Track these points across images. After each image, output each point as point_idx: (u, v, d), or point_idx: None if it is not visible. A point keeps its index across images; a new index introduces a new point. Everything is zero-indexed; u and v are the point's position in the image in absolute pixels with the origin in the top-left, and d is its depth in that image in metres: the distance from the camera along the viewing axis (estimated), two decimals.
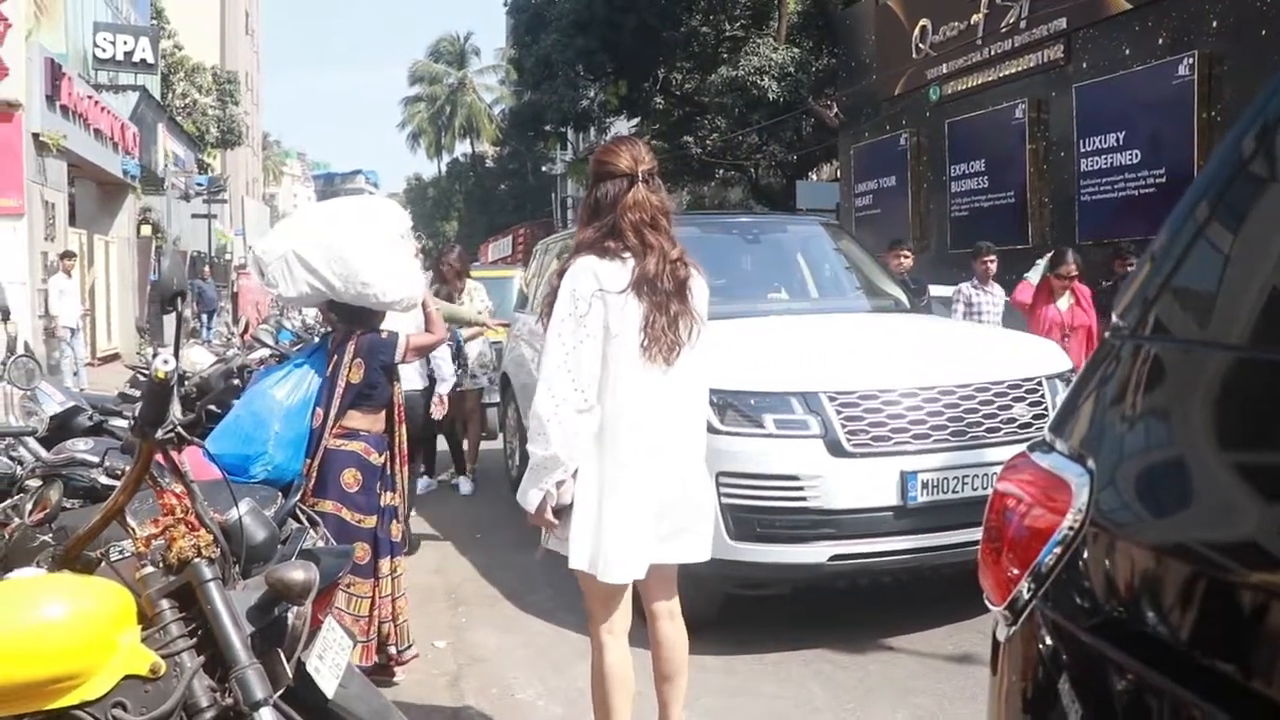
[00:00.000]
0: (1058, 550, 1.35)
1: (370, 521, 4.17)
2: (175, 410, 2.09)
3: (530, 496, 3.07)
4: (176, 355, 2.06)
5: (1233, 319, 1.27)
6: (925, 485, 4.43)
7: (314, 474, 4.08)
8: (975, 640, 4.69)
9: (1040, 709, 1.36)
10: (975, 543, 4.25)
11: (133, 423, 2.12)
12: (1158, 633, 1.20)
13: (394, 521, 4.32)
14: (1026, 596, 1.40)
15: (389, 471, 4.31)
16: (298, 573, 2.09)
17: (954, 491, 4.43)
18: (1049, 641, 1.36)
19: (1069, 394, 1.53)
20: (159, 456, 2.15)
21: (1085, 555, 1.32)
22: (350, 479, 4.12)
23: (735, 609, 4.92)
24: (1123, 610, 1.26)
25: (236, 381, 3.20)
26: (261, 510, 2.43)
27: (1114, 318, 1.42)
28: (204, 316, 23.27)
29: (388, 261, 4.11)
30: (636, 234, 3.05)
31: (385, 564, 4.23)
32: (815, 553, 4.44)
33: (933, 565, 4.59)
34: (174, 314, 2.10)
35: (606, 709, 3.20)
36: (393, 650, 4.29)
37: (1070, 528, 1.33)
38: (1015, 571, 1.42)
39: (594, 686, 3.25)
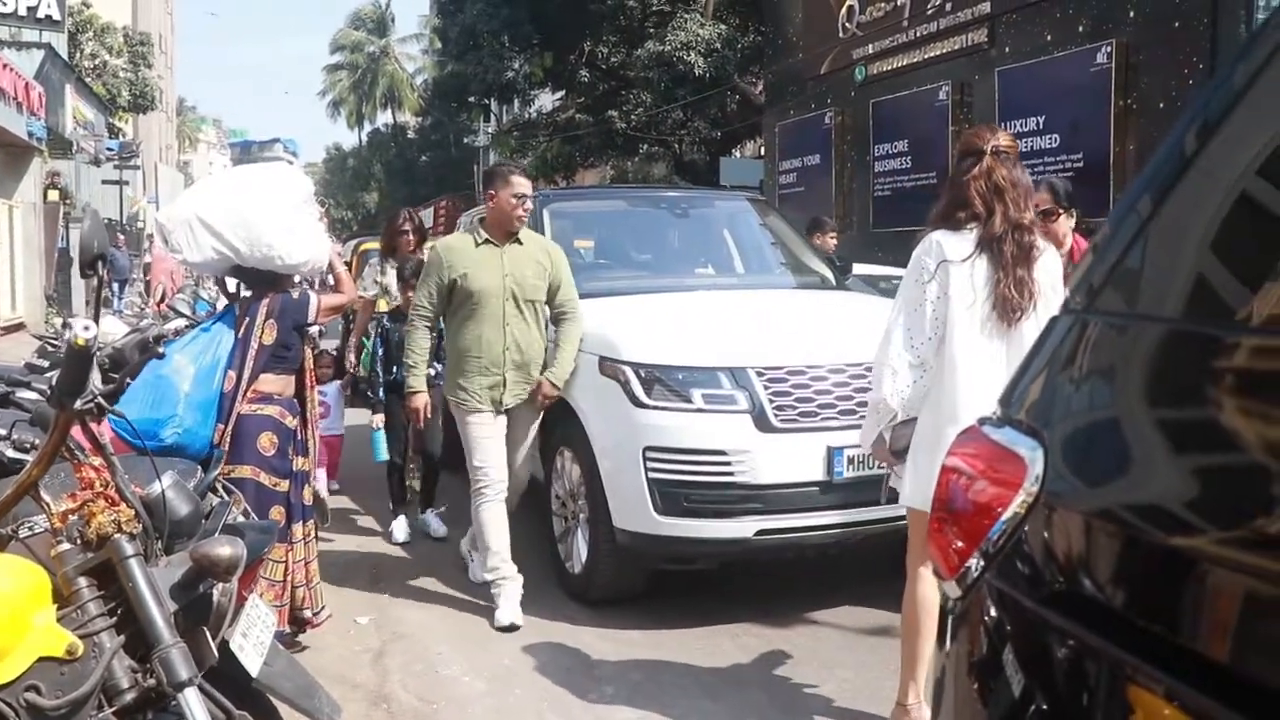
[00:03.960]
0: (1011, 523, 1.35)
1: (284, 485, 4.17)
2: (95, 379, 2.00)
3: (867, 435, 3.52)
4: (96, 321, 1.98)
5: (1170, 296, 1.31)
6: (851, 461, 4.46)
7: (228, 439, 4.01)
8: (898, 614, 4.74)
9: (992, 682, 1.36)
10: (901, 518, 4.33)
11: (49, 392, 2.02)
12: (1115, 604, 1.21)
13: (306, 485, 4.33)
14: (977, 570, 1.41)
15: (300, 436, 4.30)
16: (224, 548, 2.02)
17: (880, 467, 4.45)
18: (1001, 615, 1.37)
19: (1020, 369, 1.53)
20: (76, 428, 2.07)
21: (1039, 528, 1.32)
22: (267, 442, 4.10)
23: (662, 584, 4.93)
24: (1080, 583, 1.27)
25: (163, 351, 3.12)
26: (185, 484, 2.35)
27: (1065, 296, 1.43)
28: (115, 286, 22.62)
29: (292, 225, 4.16)
30: (982, 201, 3.33)
31: (298, 528, 4.25)
32: (742, 527, 4.45)
33: (858, 540, 4.62)
34: (94, 279, 2.01)
35: (915, 631, 3.49)
36: (307, 614, 4.30)
37: (1024, 501, 1.34)
38: (965, 545, 1.43)
39: (906, 612, 3.53)
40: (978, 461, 1.47)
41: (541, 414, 5.06)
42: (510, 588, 4.82)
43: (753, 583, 5.19)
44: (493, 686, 4.14)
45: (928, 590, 3.49)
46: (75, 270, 23.49)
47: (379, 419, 6.40)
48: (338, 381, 7.23)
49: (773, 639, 4.55)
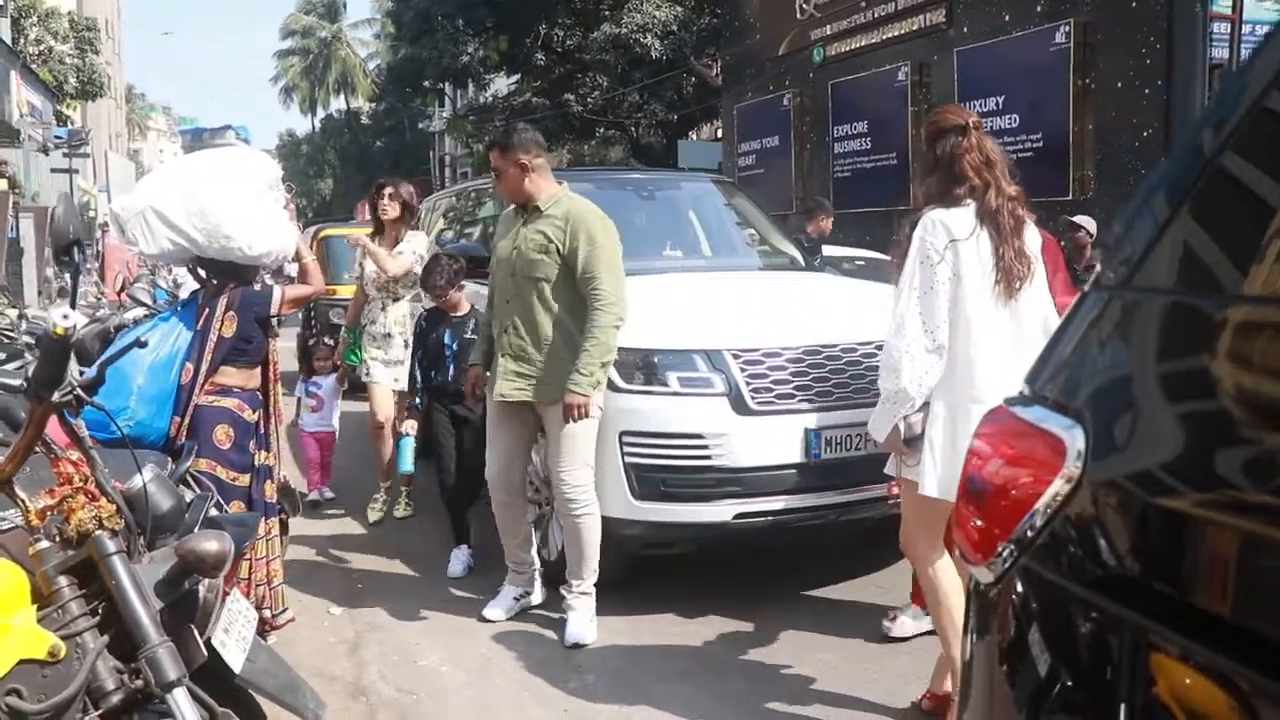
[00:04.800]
0: (1050, 505, 1.32)
1: (244, 480, 4.05)
2: (73, 370, 1.92)
3: (880, 426, 3.40)
4: (74, 308, 1.90)
5: (1221, 271, 1.30)
6: (829, 442, 4.45)
7: (183, 432, 3.91)
8: (876, 595, 4.76)
9: (1029, 668, 1.33)
10: (880, 499, 4.32)
11: (25, 384, 1.94)
12: (1166, 586, 1.17)
13: (269, 481, 4.20)
14: (1013, 555, 1.37)
15: (263, 430, 4.19)
16: (211, 544, 1.95)
17: (857, 449, 4.45)
18: (1042, 600, 1.34)
19: (1048, 346, 1.50)
20: (53, 421, 1.99)
21: (1084, 509, 1.29)
22: (223, 435, 3.98)
23: (638, 569, 4.89)
24: (1129, 565, 1.24)
25: (146, 340, 3.05)
26: (166, 477, 2.28)
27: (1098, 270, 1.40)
28: (67, 276, 22.17)
29: (253, 214, 3.99)
30: (976, 173, 3.31)
31: (260, 525, 4.09)
32: (720, 511, 4.42)
33: (837, 522, 4.62)
34: (70, 265, 1.93)
35: (955, 619, 3.31)
36: (267, 614, 4.15)
37: (1065, 482, 1.30)
38: (998, 529, 1.39)
39: (940, 605, 3.41)
40: (1008, 442, 1.43)
41: (557, 419, 4.29)
42: (509, 587, 4.72)
43: (728, 567, 5.17)
44: (472, 676, 4.09)
45: (956, 578, 3.38)
46: (25, 261, 23.01)
47: (411, 425, 5.68)
48: (334, 374, 6.82)
49: (750, 623, 4.54)
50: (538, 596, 4.73)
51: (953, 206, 3.32)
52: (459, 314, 5.56)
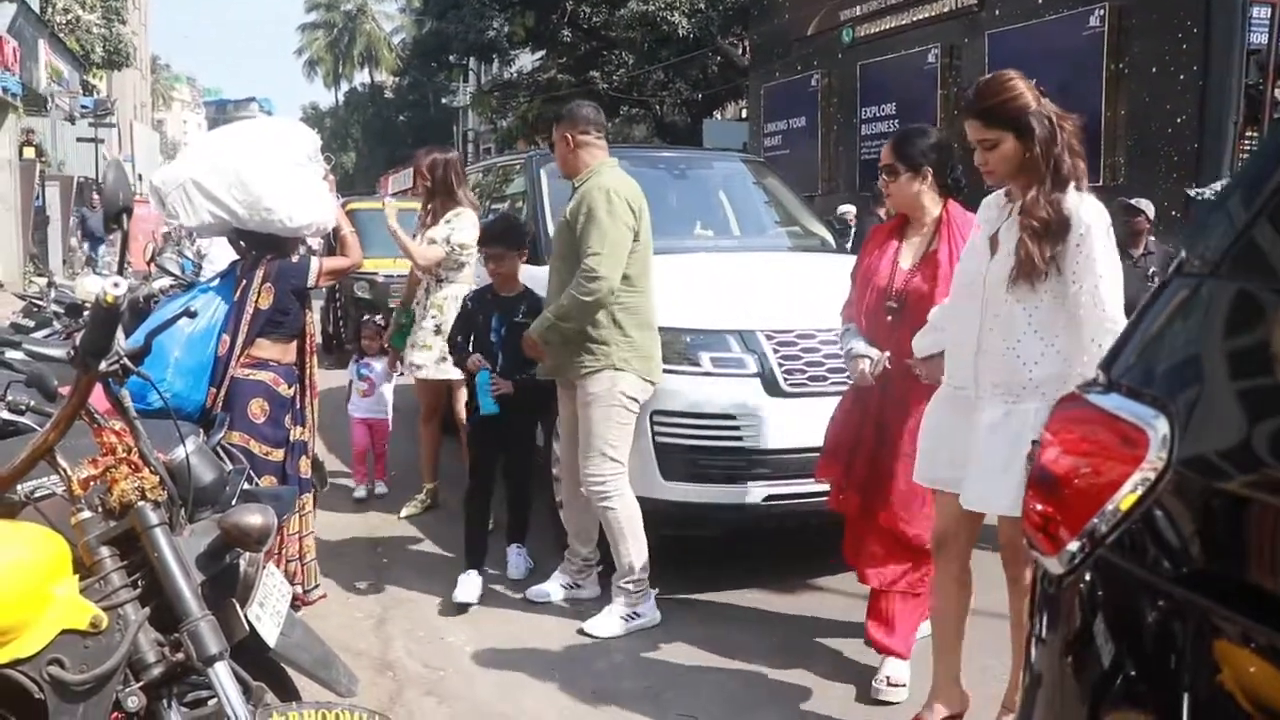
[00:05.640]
0: (1132, 495, 1.27)
1: (278, 455, 4.04)
2: (120, 339, 1.90)
3: None
4: (121, 274, 1.88)
5: None
6: None
7: (219, 404, 3.91)
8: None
9: (1102, 661, 1.29)
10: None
11: (71, 353, 1.92)
12: (1265, 579, 1.13)
13: (303, 457, 4.19)
14: (1088, 546, 1.33)
15: (299, 405, 4.18)
16: (256, 518, 1.93)
17: None
18: (1119, 593, 1.30)
19: (1125, 333, 1.44)
20: (98, 390, 1.96)
21: (1171, 500, 1.24)
22: (257, 409, 3.98)
23: (665, 551, 4.86)
24: (1222, 560, 1.19)
25: (195, 310, 3.06)
26: (209, 449, 2.25)
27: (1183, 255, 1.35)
28: (88, 245, 22.26)
29: (293, 185, 3.97)
30: (1081, 145, 2.95)
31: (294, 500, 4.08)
32: (751, 493, 4.40)
33: None
34: (119, 232, 1.90)
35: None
36: (299, 589, 4.14)
37: (1150, 472, 1.25)
38: (1069, 518, 1.35)
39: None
40: (1086, 431, 1.39)
41: (582, 402, 4.24)
42: (558, 574, 4.64)
43: (755, 549, 5.14)
44: (499, 654, 4.08)
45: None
46: (51, 230, 23.04)
47: (476, 359, 4.72)
48: (386, 357, 6.38)
49: (778, 606, 4.51)
50: (589, 592, 4.56)
51: (1080, 188, 2.92)
52: (509, 293, 4.89)
